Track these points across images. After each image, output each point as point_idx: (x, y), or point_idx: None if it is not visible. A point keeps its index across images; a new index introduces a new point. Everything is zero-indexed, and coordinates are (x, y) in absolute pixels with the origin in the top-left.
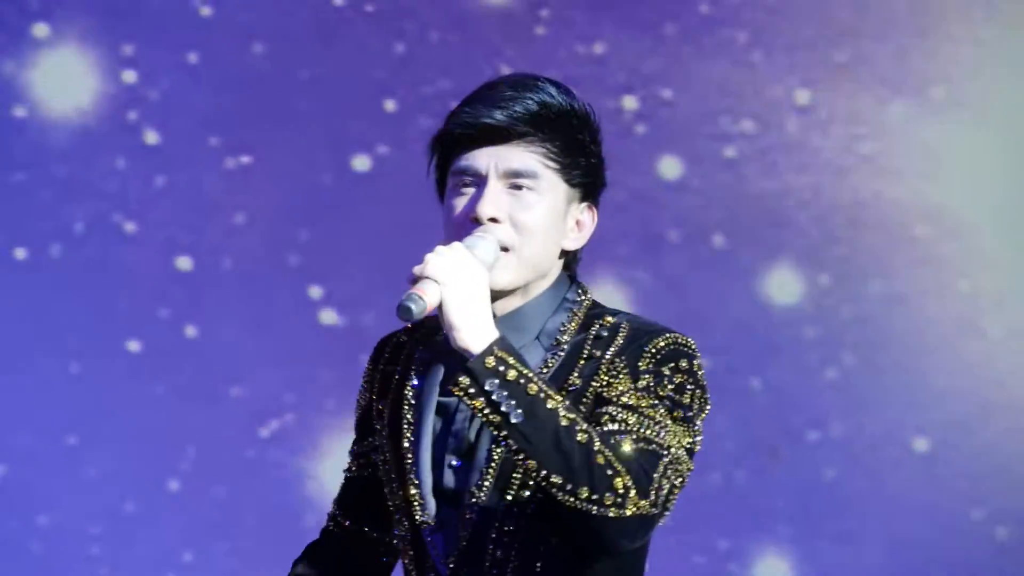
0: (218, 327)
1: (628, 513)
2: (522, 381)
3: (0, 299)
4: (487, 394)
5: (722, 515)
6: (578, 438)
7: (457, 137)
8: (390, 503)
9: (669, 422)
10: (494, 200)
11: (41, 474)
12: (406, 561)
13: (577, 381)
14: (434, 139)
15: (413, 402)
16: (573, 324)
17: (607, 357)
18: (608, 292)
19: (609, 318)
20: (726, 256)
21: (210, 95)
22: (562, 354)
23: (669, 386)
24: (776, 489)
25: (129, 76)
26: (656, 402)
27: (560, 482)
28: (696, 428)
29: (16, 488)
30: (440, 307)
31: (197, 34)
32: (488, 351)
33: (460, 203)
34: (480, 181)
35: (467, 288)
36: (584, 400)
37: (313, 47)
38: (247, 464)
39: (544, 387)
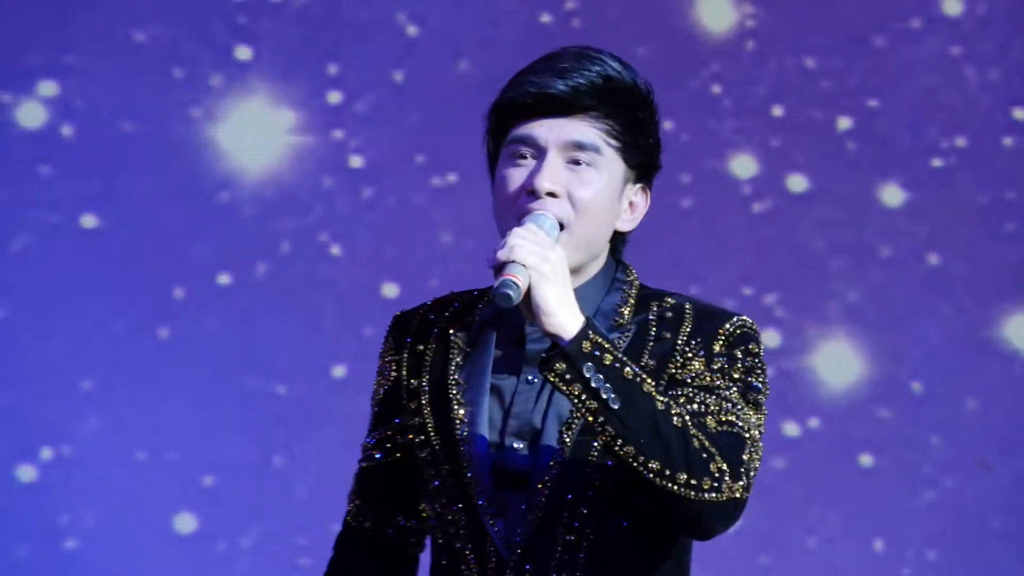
0: None
1: (725, 497)
2: (618, 365)
3: (207, 319)
4: (585, 380)
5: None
6: (674, 422)
7: (517, 106)
8: (433, 487)
9: (744, 404)
10: (553, 173)
11: (249, 491)
12: (458, 545)
13: (651, 362)
14: (492, 107)
15: (464, 384)
16: (628, 305)
17: (681, 339)
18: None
19: (669, 299)
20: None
21: (416, 113)
22: (629, 335)
23: (742, 368)
24: None
25: (334, 96)
26: (731, 384)
27: (658, 467)
28: (764, 410)
29: (226, 502)
30: (528, 292)
31: (403, 52)
32: (583, 335)
33: (516, 174)
34: (539, 153)
35: (555, 272)
36: (660, 382)
37: (519, 64)
38: None
39: (639, 371)
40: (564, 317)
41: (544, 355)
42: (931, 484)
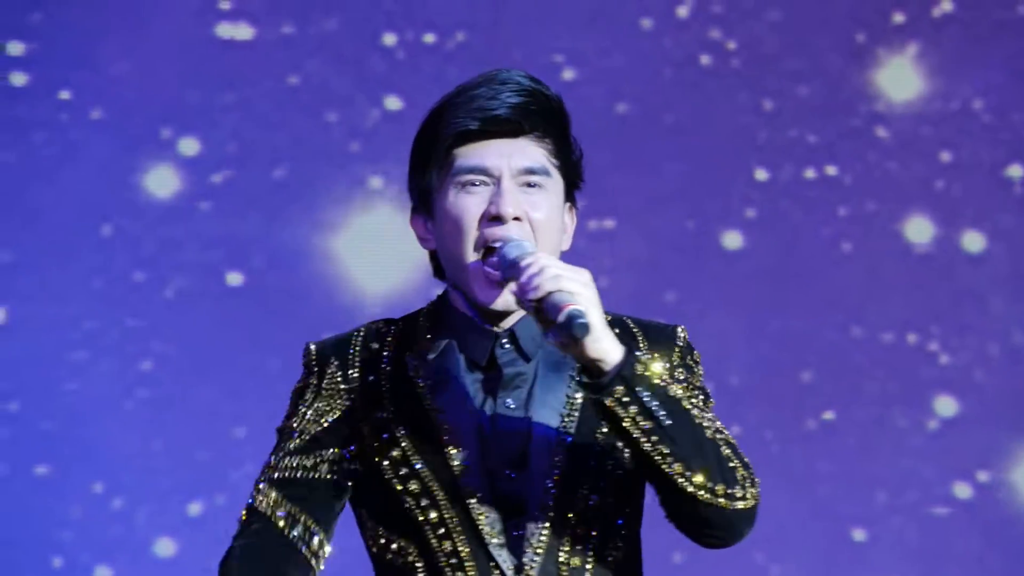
0: None
1: (752, 504)
2: (663, 384)
3: None
4: (641, 402)
5: None
6: (708, 435)
7: (460, 134)
8: (427, 519)
9: (710, 410)
10: (514, 199)
11: None
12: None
13: None
14: (425, 139)
15: (444, 413)
16: None
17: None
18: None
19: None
20: None
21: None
22: None
23: (699, 375)
24: None
25: None
26: (697, 392)
27: (701, 481)
28: None
29: None
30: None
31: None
32: (633, 358)
33: (471, 202)
34: (492, 179)
35: (595, 296)
36: None
37: (679, 106)
38: None
39: (677, 388)
40: (608, 341)
41: (585, 379)
42: None
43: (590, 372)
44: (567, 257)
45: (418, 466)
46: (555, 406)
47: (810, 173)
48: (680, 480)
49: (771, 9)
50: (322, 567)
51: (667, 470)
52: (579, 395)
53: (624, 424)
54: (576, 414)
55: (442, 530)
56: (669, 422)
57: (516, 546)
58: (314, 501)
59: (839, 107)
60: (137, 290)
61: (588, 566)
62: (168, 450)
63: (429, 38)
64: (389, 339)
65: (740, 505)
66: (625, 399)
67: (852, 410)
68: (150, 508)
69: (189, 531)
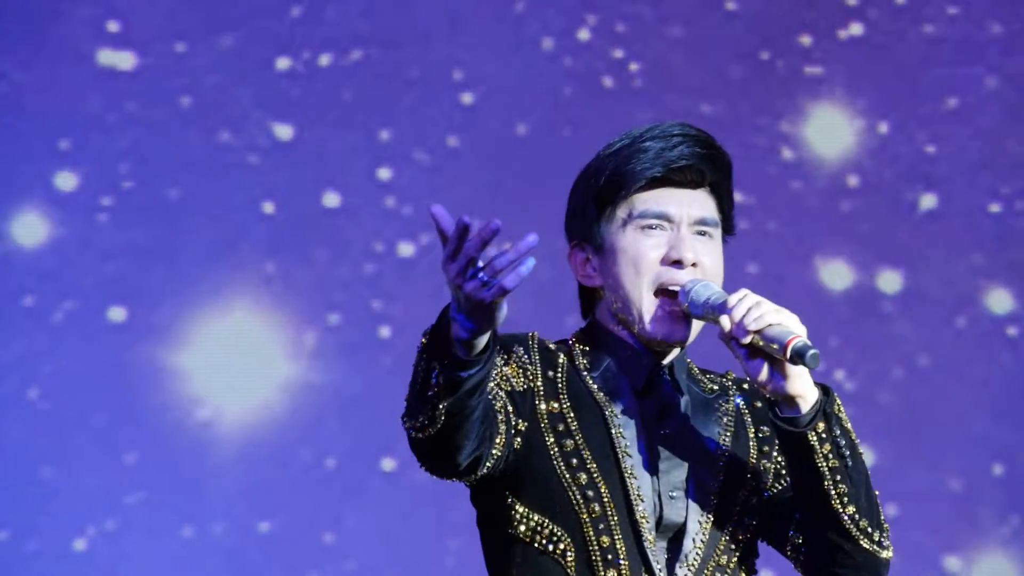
0: None
1: (890, 554)
2: (848, 426)
3: None
4: (835, 438)
5: None
6: (870, 482)
7: (645, 177)
8: (593, 514)
9: None
10: (693, 246)
11: None
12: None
13: (764, 427)
14: (611, 176)
15: (624, 430)
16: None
17: (760, 405)
18: None
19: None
20: None
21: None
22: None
23: None
24: None
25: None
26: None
27: (865, 525)
28: None
29: None
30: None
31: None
32: (832, 398)
33: (652, 243)
34: (671, 225)
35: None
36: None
37: (580, 126)
38: None
39: (854, 434)
40: (808, 378)
41: (783, 415)
42: None
43: (782, 408)
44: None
45: (588, 460)
46: (710, 439)
47: None
48: (848, 522)
49: (673, 26)
50: (488, 464)
51: (840, 510)
52: (729, 432)
53: (816, 459)
54: (729, 447)
55: (602, 525)
56: (851, 463)
57: (672, 555)
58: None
59: (743, 125)
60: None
61: None
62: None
63: (325, 59)
64: (554, 347)
65: (885, 555)
66: (824, 435)
67: None
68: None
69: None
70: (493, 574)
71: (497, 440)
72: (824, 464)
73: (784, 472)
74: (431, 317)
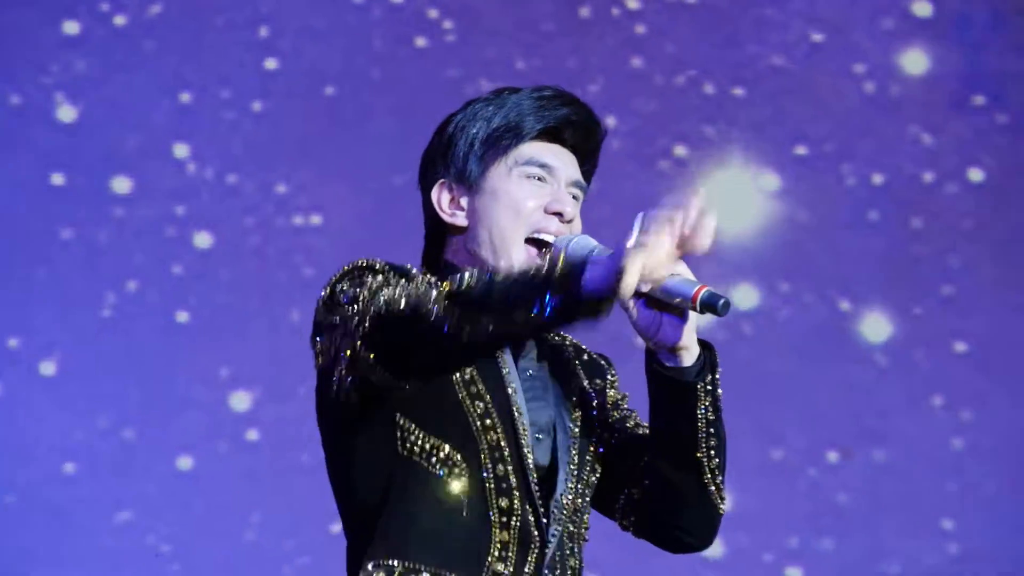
0: None
1: (726, 508)
2: (719, 378)
3: None
4: (716, 391)
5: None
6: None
7: (543, 129)
8: (476, 440)
9: None
10: (572, 203)
11: None
12: (492, 515)
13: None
14: (494, 118)
15: (510, 384)
16: None
17: (592, 356)
18: None
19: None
20: None
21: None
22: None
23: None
24: None
25: None
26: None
27: (720, 481)
28: None
29: None
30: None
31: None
32: (714, 352)
33: (534, 191)
34: (553, 180)
35: None
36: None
37: (391, 86)
38: None
39: None
40: (694, 331)
41: (673, 367)
42: None
43: (664, 357)
44: None
45: (483, 391)
46: (565, 386)
47: None
48: (708, 474)
49: None
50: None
51: (706, 462)
52: (581, 382)
53: (697, 410)
54: (581, 396)
55: (497, 454)
56: (720, 414)
57: (545, 493)
58: None
59: (559, 81)
60: None
61: (576, 536)
62: None
63: (120, 20)
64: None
65: (724, 508)
66: (710, 387)
67: None
68: None
69: None
70: (358, 496)
71: None
72: (703, 416)
73: (619, 427)
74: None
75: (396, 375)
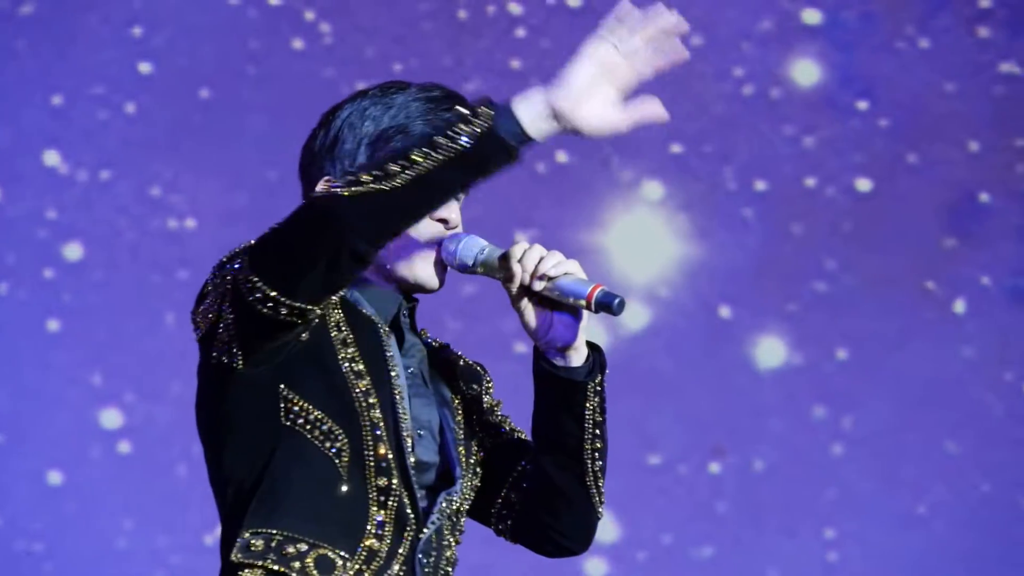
0: None
1: (603, 514)
2: (604, 380)
3: None
4: (603, 393)
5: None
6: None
7: (422, 136)
8: (372, 457)
9: None
10: (455, 208)
11: None
12: (374, 507)
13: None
14: (383, 120)
15: (393, 369)
16: None
17: (465, 360)
18: None
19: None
20: None
21: None
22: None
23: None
24: None
25: None
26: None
27: (601, 484)
28: None
29: None
30: (552, 301)
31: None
32: (602, 353)
33: None
34: None
35: None
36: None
37: (265, 89)
38: None
39: None
40: (584, 332)
41: (563, 367)
42: None
43: (553, 357)
44: None
45: (364, 372)
46: (445, 386)
47: None
48: (591, 477)
49: None
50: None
51: (590, 465)
52: (460, 383)
53: (585, 411)
54: (461, 398)
55: (379, 432)
56: (606, 416)
57: (431, 491)
58: None
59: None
60: None
61: (455, 532)
62: None
63: None
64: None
65: (601, 512)
66: (599, 388)
67: None
68: None
69: None
70: (238, 472)
71: (318, 312)
72: (591, 416)
73: (494, 432)
74: None
75: (286, 294)
